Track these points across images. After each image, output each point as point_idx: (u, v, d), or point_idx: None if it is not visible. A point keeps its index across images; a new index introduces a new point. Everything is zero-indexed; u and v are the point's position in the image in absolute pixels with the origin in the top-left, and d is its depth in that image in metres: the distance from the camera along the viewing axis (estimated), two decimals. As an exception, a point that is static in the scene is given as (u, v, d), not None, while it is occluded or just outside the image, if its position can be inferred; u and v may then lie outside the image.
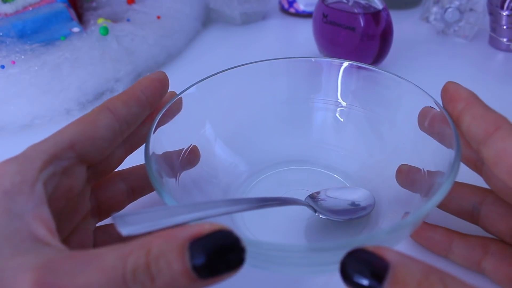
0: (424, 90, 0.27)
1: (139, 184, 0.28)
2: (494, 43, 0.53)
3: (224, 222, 0.28)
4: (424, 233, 0.27)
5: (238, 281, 0.21)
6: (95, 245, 0.25)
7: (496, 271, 0.24)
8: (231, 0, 0.59)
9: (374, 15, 0.44)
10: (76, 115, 0.42)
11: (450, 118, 0.24)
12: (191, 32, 0.57)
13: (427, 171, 0.26)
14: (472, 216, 0.26)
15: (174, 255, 0.16)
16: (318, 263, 0.21)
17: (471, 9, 0.52)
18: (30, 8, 0.47)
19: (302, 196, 0.29)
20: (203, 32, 0.60)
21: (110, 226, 0.27)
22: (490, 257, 0.25)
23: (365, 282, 0.17)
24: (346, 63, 0.32)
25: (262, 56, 0.32)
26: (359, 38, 0.44)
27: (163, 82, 0.26)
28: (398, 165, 0.29)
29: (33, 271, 0.16)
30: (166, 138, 0.27)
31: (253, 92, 0.33)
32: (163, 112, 0.27)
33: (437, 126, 0.25)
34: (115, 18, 0.52)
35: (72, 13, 0.49)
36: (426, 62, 0.51)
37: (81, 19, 0.52)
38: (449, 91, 0.24)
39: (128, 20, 0.51)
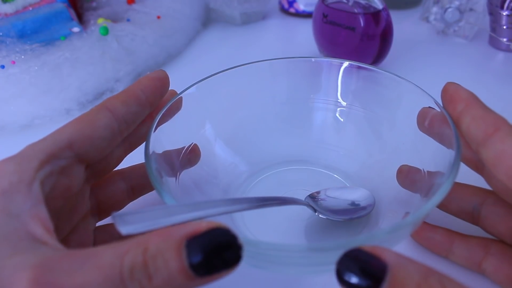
0: (424, 90, 0.27)
1: (139, 183, 0.28)
2: (494, 43, 0.53)
3: (224, 222, 0.28)
4: (424, 233, 0.27)
5: (238, 281, 0.21)
6: (95, 244, 0.25)
7: (497, 272, 0.24)
8: (231, 0, 0.59)
9: (374, 15, 0.44)
10: (76, 115, 0.42)
11: (450, 118, 0.24)
12: (191, 32, 0.57)
13: (427, 171, 0.26)
14: (472, 217, 0.26)
15: (171, 253, 0.16)
16: (318, 263, 0.21)
17: (471, 9, 0.52)
18: (30, 8, 0.48)
19: (302, 196, 0.29)
20: (203, 32, 0.60)
21: (110, 225, 0.27)
22: (491, 258, 0.25)
23: (361, 284, 0.16)
24: (346, 63, 0.32)
25: (262, 56, 0.32)
26: (359, 38, 0.44)
27: (164, 81, 0.26)
28: (398, 165, 0.29)
29: (30, 270, 0.16)
30: (166, 138, 0.27)
31: (253, 92, 0.33)
32: (163, 111, 0.26)
33: (437, 126, 0.25)
34: (115, 18, 0.52)
35: (72, 13, 0.49)
36: (426, 62, 0.51)
37: (81, 19, 0.52)
38: (449, 92, 0.24)
39: (128, 20, 0.51)
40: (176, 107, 0.28)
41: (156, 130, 0.26)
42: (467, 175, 0.25)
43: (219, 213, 0.21)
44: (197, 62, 0.53)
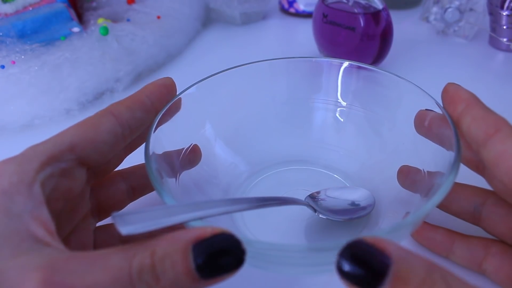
0: (424, 90, 0.27)
1: (140, 183, 0.28)
2: (494, 43, 0.53)
3: (224, 222, 0.28)
4: (425, 233, 0.27)
5: (238, 281, 0.21)
6: (96, 244, 0.25)
7: (497, 272, 0.24)
8: (231, 0, 0.59)
9: (374, 15, 0.44)
10: (76, 115, 0.42)
11: (450, 118, 0.24)
12: (191, 32, 0.57)
13: (427, 171, 0.26)
14: (473, 217, 0.26)
15: (179, 256, 0.17)
16: (318, 263, 0.21)
17: (471, 9, 0.52)
18: (30, 8, 0.48)
19: (302, 196, 0.29)
20: (203, 32, 0.60)
21: (111, 225, 0.27)
22: (491, 258, 0.25)
23: (364, 278, 0.16)
24: (346, 63, 0.32)
25: (262, 56, 0.32)
26: (359, 38, 0.44)
27: (170, 88, 0.26)
28: (398, 165, 0.29)
29: (39, 271, 0.16)
30: (166, 138, 0.27)
31: (253, 92, 0.33)
32: (163, 112, 0.26)
33: (436, 127, 0.25)
34: (115, 18, 0.52)
35: (72, 13, 0.49)
36: (426, 62, 0.51)
37: (81, 19, 0.52)
38: (450, 93, 0.24)
39: (128, 20, 0.51)
40: (176, 107, 0.28)
41: (156, 131, 0.26)
42: (468, 175, 0.25)
43: (219, 213, 0.21)
44: (197, 62, 0.53)
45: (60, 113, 0.42)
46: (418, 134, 0.27)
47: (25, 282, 0.16)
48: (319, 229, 0.29)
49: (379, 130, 0.32)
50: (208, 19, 0.62)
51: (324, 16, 0.46)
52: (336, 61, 0.32)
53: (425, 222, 0.27)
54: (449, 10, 0.53)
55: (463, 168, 0.23)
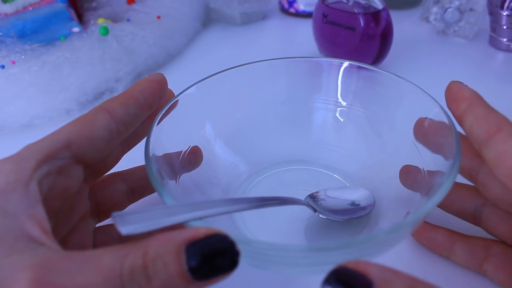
0: (424, 90, 0.27)
1: (140, 185, 0.28)
2: (494, 43, 0.53)
3: (224, 222, 0.28)
4: (426, 233, 0.27)
5: (238, 281, 0.21)
6: (95, 245, 0.25)
7: (498, 273, 0.24)
8: (231, 0, 0.59)
9: (374, 15, 0.44)
10: (76, 115, 0.42)
11: (448, 116, 0.24)
12: (191, 32, 0.57)
13: (427, 171, 0.26)
14: (474, 218, 0.26)
15: (171, 257, 0.17)
16: (318, 263, 0.21)
17: (471, 9, 0.52)
18: (30, 8, 0.47)
19: (302, 196, 0.29)
20: (203, 32, 0.60)
21: (110, 226, 0.27)
22: (492, 258, 0.24)
23: None
24: (346, 63, 0.32)
25: (262, 56, 0.32)
26: (359, 38, 0.44)
27: (162, 83, 0.26)
28: (398, 165, 0.29)
29: (30, 270, 0.16)
30: (166, 138, 0.27)
31: (253, 92, 0.33)
32: (163, 112, 0.27)
33: (435, 133, 0.25)
34: (115, 18, 0.52)
35: (72, 13, 0.49)
36: (426, 62, 0.51)
37: (81, 19, 0.52)
38: (453, 91, 0.24)
39: (128, 20, 0.51)
40: (172, 104, 0.28)
41: (156, 131, 0.26)
42: (468, 176, 0.25)
43: (219, 213, 0.21)
44: (197, 62, 0.53)
45: (60, 113, 0.42)
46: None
47: (16, 281, 0.16)
48: (319, 229, 0.29)
49: (379, 130, 0.32)
50: (208, 19, 0.62)
51: (324, 16, 0.46)
52: (336, 61, 0.32)
53: (426, 222, 0.27)
54: (449, 10, 0.53)
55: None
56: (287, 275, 0.27)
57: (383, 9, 0.44)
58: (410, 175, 0.28)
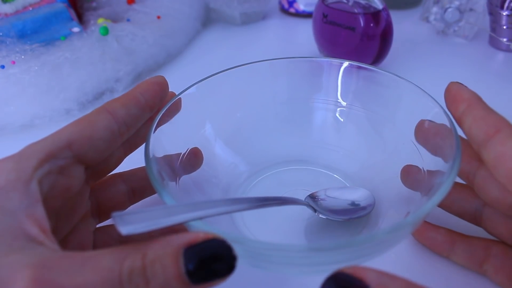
0: (424, 90, 0.27)
1: (140, 186, 0.28)
2: (494, 43, 0.53)
3: (224, 222, 0.28)
4: (426, 233, 0.27)
5: (238, 281, 0.21)
6: (95, 245, 0.25)
7: (498, 273, 0.24)
8: (231, 0, 0.59)
9: (374, 15, 0.44)
10: (76, 115, 0.42)
11: (451, 116, 0.24)
12: (191, 32, 0.57)
13: (427, 170, 0.26)
14: (474, 218, 0.26)
15: (169, 260, 0.17)
16: (318, 263, 0.21)
17: (471, 9, 0.52)
18: (30, 8, 0.47)
19: (302, 196, 0.29)
20: (203, 32, 0.60)
21: (110, 226, 0.27)
22: (492, 259, 0.24)
23: None
24: (346, 63, 0.32)
25: (262, 56, 0.32)
26: (359, 38, 0.44)
27: (162, 85, 0.27)
28: (398, 165, 0.29)
29: (29, 269, 0.16)
30: (166, 138, 0.27)
31: (253, 92, 0.33)
32: (163, 112, 0.27)
33: (436, 131, 0.25)
34: (115, 18, 0.52)
35: (72, 13, 0.49)
36: (426, 62, 0.51)
37: (81, 19, 0.52)
38: (452, 92, 0.24)
39: (128, 20, 0.51)
40: (176, 108, 0.28)
41: (156, 131, 0.26)
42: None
43: (219, 213, 0.21)
44: (197, 62, 0.53)
45: (60, 113, 0.42)
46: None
47: (15, 280, 0.16)
48: (319, 229, 0.29)
49: (379, 130, 0.32)
50: (208, 19, 0.62)
51: (324, 16, 0.46)
52: (336, 61, 0.32)
53: (426, 222, 0.27)
54: (449, 10, 0.53)
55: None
56: (287, 275, 0.27)
57: (383, 9, 0.44)
58: (411, 175, 0.28)
